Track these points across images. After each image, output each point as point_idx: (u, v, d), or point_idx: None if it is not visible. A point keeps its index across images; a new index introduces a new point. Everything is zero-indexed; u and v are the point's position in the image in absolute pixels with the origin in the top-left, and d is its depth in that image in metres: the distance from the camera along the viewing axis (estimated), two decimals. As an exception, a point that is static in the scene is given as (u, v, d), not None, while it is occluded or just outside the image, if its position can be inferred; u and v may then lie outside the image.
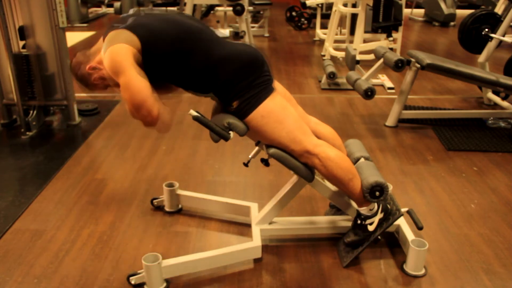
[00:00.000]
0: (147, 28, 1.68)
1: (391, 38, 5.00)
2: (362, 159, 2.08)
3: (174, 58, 1.71)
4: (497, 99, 3.93)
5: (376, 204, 1.94)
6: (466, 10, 7.57)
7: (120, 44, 1.61)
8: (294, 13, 7.79)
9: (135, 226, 2.27)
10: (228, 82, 1.74)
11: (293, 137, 1.79)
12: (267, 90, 1.78)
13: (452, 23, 8.02)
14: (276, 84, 1.92)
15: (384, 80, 4.64)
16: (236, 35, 6.55)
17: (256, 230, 2.05)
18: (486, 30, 3.87)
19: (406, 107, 3.77)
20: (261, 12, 7.62)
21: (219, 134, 1.72)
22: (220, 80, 1.74)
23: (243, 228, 2.25)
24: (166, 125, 1.71)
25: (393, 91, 4.41)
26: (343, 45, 5.47)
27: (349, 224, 2.04)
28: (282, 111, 1.79)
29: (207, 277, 1.92)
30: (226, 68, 1.74)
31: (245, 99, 1.74)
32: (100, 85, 1.83)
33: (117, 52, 1.60)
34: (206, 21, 7.86)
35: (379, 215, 1.95)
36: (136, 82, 1.59)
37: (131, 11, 1.81)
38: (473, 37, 3.96)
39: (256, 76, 1.76)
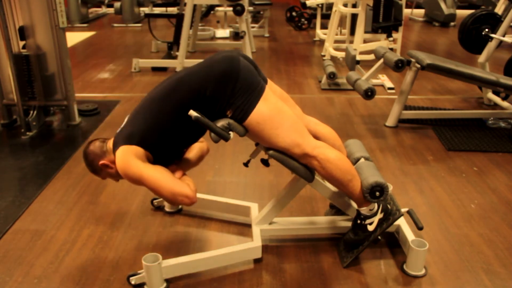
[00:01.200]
0: (136, 134, 1.79)
1: (391, 38, 5.00)
2: (362, 159, 2.08)
3: (172, 128, 1.81)
4: (497, 99, 3.93)
5: (376, 204, 1.94)
6: (466, 10, 7.57)
7: (128, 159, 1.75)
8: (294, 13, 7.79)
9: (135, 226, 2.27)
10: (213, 98, 1.75)
11: (290, 141, 1.79)
12: (257, 91, 1.76)
13: (452, 23, 8.02)
14: (272, 85, 1.92)
15: (384, 80, 4.64)
16: (236, 35, 6.55)
17: (256, 230, 2.05)
18: (486, 30, 3.87)
19: (406, 107, 3.77)
20: (261, 12, 7.62)
21: (219, 135, 1.72)
22: (207, 100, 1.75)
23: (243, 228, 2.25)
24: (193, 200, 1.79)
25: (393, 91, 4.41)
26: (343, 45, 5.47)
27: (349, 224, 2.04)
28: (277, 115, 1.78)
29: (207, 277, 1.92)
30: (208, 88, 1.74)
31: (237, 107, 1.74)
32: (105, 177, 1.98)
33: (128, 167, 1.74)
34: (206, 21, 7.86)
35: (379, 215, 1.95)
36: (157, 180, 1.73)
37: (125, 120, 1.91)
38: (473, 37, 3.96)
39: (235, 80, 1.74)
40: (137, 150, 1.77)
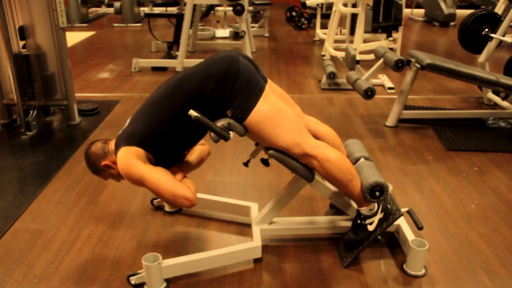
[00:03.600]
0: (137, 134, 1.80)
1: (391, 38, 5.00)
2: (362, 159, 2.08)
3: (172, 129, 1.81)
4: (497, 99, 3.93)
5: (376, 204, 1.94)
6: (466, 10, 7.57)
7: (129, 160, 1.76)
8: (294, 13, 7.79)
9: (135, 226, 2.27)
10: (213, 98, 1.75)
11: (290, 141, 1.79)
12: (256, 91, 1.76)
13: (452, 23, 8.02)
14: (272, 85, 1.92)
15: (384, 80, 4.64)
16: (236, 35, 6.55)
17: (256, 230, 2.05)
18: (486, 30, 3.87)
19: (406, 107, 3.77)
20: (261, 12, 7.62)
21: (219, 134, 1.72)
22: (207, 100, 1.75)
23: (243, 228, 2.25)
24: (193, 202, 1.79)
25: (393, 91, 4.41)
26: (343, 45, 5.47)
27: (349, 224, 2.04)
28: (277, 115, 1.79)
29: (207, 277, 1.92)
30: (208, 88, 1.74)
31: (237, 106, 1.74)
32: (108, 177, 1.99)
33: (129, 167, 1.75)
34: (206, 21, 7.86)
35: (379, 215, 1.95)
36: (158, 181, 1.73)
37: (127, 122, 1.91)
38: (473, 37, 3.96)
39: (234, 79, 1.74)
40: (138, 151, 1.77)
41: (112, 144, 1.91)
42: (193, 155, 2.06)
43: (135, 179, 1.75)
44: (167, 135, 1.82)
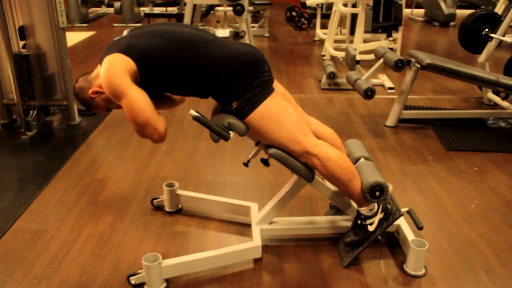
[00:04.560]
0: (139, 48, 1.69)
1: (391, 38, 5.00)
2: (362, 159, 2.08)
3: (171, 70, 1.73)
4: (497, 99, 3.93)
5: (376, 204, 1.94)
6: (466, 10, 7.57)
7: (116, 68, 1.63)
8: (294, 13, 7.79)
9: (135, 226, 2.27)
10: (227, 82, 1.74)
11: (292, 137, 1.79)
12: (267, 90, 1.79)
13: (452, 23, 8.02)
14: (276, 84, 1.92)
15: (384, 80, 4.63)
16: (236, 35, 6.55)
17: (256, 230, 2.05)
18: (486, 30, 3.87)
19: (406, 107, 3.77)
20: (261, 12, 7.62)
21: (219, 134, 1.72)
22: (219, 81, 1.74)
23: (243, 228, 2.25)
24: (162, 137, 1.72)
25: (393, 91, 4.41)
26: (343, 45, 5.47)
27: (349, 224, 2.04)
28: (281, 111, 1.79)
29: (207, 277, 1.92)
30: (225, 69, 1.73)
31: (244, 100, 1.74)
32: (104, 107, 1.85)
33: (114, 76, 1.62)
34: (206, 21, 7.86)
35: (379, 215, 1.95)
36: (138, 102, 1.63)
37: (125, 32, 1.82)
38: (473, 37, 3.96)
39: (255, 76, 1.76)
40: (130, 64, 1.66)
41: (96, 70, 1.80)
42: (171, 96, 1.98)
43: (115, 91, 1.62)
44: (163, 72, 1.73)
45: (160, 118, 1.70)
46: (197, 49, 1.73)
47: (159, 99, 1.90)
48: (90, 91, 1.79)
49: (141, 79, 1.72)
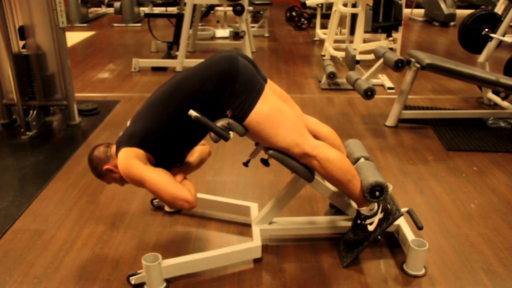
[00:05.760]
0: (138, 135, 1.80)
1: (391, 38, 5.00)
2: (362, 159, 2.08)
3: (172, 131, 1.82)
4: (497, 99, 3.93)
5: (376, 204, 1.94)
6: (466, 10, 7.57)
7: (129, 161, 1.76)
8: (294, 13, 7.79)
9: (135, 226, 2.27)
10: (213, 98, 1.75)
11: (290, 140, 1.79)
12: (256, 91, 1.76)
13: (452, 23, 8.02)
14: (272, 85, 1.92)
15: (384, 80, 4.64)
16: (236, 35, 6.55)
17: (256, 230, 2.05)
18: (486, 30, 3.87)
19: (406, 107, 3.77)
20: (261, 12, 7.62)
21: (219, 134, 1.72)
22: (209, 102, 1.75)
23: (243, 228, 2.25)
24: (193, 205, 1.80)
25: (393, 91, 4.41)
26: (343, 45, 5.47)
27: (349, 224, 2.04)
28: (277, 114, 1.79)
29: (207, 277, 1.92)
30: (208, 89, 1.74)
31: (236, 106, 1.74)
32: (112, 181, 1.97)
33: (130, 169, 1.75)
34: (206, 21, 7.86)
35: (379, 215, 1.95)
36: (158, 183, 1.74)
37: (128, 123, 1.92)
38: (473, 37, 3.96)
39: (234, 79, 1.74)
40: (138, 152, 1.78)
41: (114, 148, 1.91)
42: (194, 155, 2.06)
43: (136, 180, 1.75)
44: (168, 135, 1.82)
45: (185, 187, 1.79)
46: (177, 94, 1.79)
47: (183, 165, 2.01)
48: (106, 167, 1.90)
49: (154, 158, 1.83)
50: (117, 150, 1.83)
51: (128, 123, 1.91)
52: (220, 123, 1.73)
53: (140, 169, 1.74)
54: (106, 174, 1.92)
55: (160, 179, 1.75)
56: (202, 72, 1.78)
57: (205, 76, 1.76)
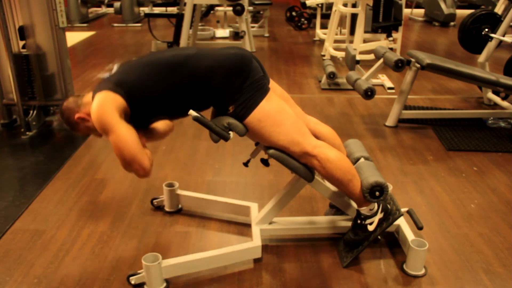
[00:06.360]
0: (128, 84, 1.75)
1: (391, 38, 5.00)
2: (362, 159, 2.08)
3: (164, 96, 1.77)
4: (497, 99, 3.93)
5: (376, 204, 1.94)
6: (466, 10, 7.57)
7: (106, 106, 1.69)
8: (294, 13, 7.79)
9: (135, 226, 2.27)
10: (220, 90, 1.75)
11: (291, 139, 1.79)
12: (262, 91, 1.77)
13: (452, 23, 8.02)
14: (273, 85, 1.92)
15: (384, 80, 4.64)
16: (236, 35, 6.55)
17: (256, 230, 2.05)
18: (486, 30, 3.87)
19: (406, 107, 3.77)
20: (261, 12, 7.62)
21: (219, 134, 1.72)
22: (212, 90, 1.75)
23: (243, 228, 2.25)
24: (147, 173, 1.76)
25: (393, 91, 4.41)
26: (343, 45, 5.47)
27: (349, 224, 2.04)
28: (279, 113, 1.79)
29: (207, 277, 1.92)
30: (214, 78, 1.74)
31: (240, 103, 1.74)
32: (85, 132, 1.93)
33: (104, 113, 1.68)
34: (206, 21, 7.86)
35: (379, 215, 1.95)
36: (124, 139, 1.69)
37: (115, 68, 1.88)
38: (473, 37, 3.96)
39: (245, 77, 1.75)
40: (119, 100, 1.72)
41: (87, 97, 1.85)
42: (159, 125, 2.01)
43: (103, 127, 1.68)
44: (156, 100, 1.77)
45: (145, 153, 1.74)
46: (182, 68, 1.76)
47: (147, 132, 1.95)
48: (77, 115, 1.85)
49: (132, 113, 1.77)
50: (96, 91, 1.75)
51: (115, 69, 1.85)
52: (220, 123, 1.73)
53: (114, 119, 1.68)
54: (79, 124, 1.87)
55: (129, 136, 1.69)
56: (214, 60, 1.76)
57: (216, 65, 1.75)
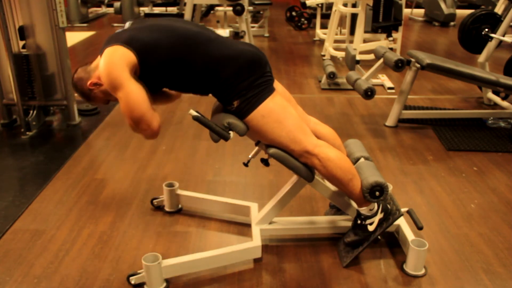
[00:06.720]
0: (141, 41, 1.68)
1: (391, 38, 5.00)
2: (362, 159, 2.08)
3: (172, 66, 1.72)
4: (497, 99, 3.93)
5: (376, 204, 1.94)
6: (466, 10, 7.57)
7: (116, 59, 1.62)
8: (294, 13, 7.79)
9: (135, 226, 2.27)
10: (228, 81, 1.74)
11: (293, 137, 1.79)
12: (268, 90, 1.79)
13: (452, 23, 8.02)
14: (276, 84, 1.92)
15: (384, 80, 4.64)
16: (236, 35, 6.55)
17: (256, 230, 2.05)
18: (486, 30, 3.87)
19: (406, 107, 3.77)
20: (261, 12, 7.62)
21: (219, 134, 1.72)
22: (221, 79, 1.74)
23: (243, 228, 2.25)
24: (155, 133, 1.71)
25: (393, 91, 4.41)
26: (343, 45, 5.47)
27: (349, 224, 2.04)
28: (282, 111, 1.80)
29: (207, 277, 1.92)
30: (227, 68, 1.73)
31: (245, 99, 1.74)
32: (102, 99, 1.83)
33: (114, 67, 1.61)
34: (206, 21, 7.86)
35: (379, 215, 1.95)
36: (134, 96, 1.62)
37: (127, 25, 1.81)
38: (473, 37, 3.96)
39: (257, 76, 1.76)
40: (131, 57, 1.64)
41: (96, 61, 1.79)
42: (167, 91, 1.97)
43: (113, 83, 1.61)
44: (164, 66, 1.71)
45: (155, 114, 1.69)
46: (200, 47, 1.73)
47: (156, 94, 1.88)
48: (89, 82, 1.78)
49: (141, 73, 1.70)
50: (107, 45, 1.66)
51: (127, 25, 1.78)
52: (220, 122, 1.73)
53: (124, 74, 1.60)
54: (94, 91, 1.79)
55: (139, 94, 1.62)
56: (231, 52, 1.74)
57: (231, 57, 1.74)
